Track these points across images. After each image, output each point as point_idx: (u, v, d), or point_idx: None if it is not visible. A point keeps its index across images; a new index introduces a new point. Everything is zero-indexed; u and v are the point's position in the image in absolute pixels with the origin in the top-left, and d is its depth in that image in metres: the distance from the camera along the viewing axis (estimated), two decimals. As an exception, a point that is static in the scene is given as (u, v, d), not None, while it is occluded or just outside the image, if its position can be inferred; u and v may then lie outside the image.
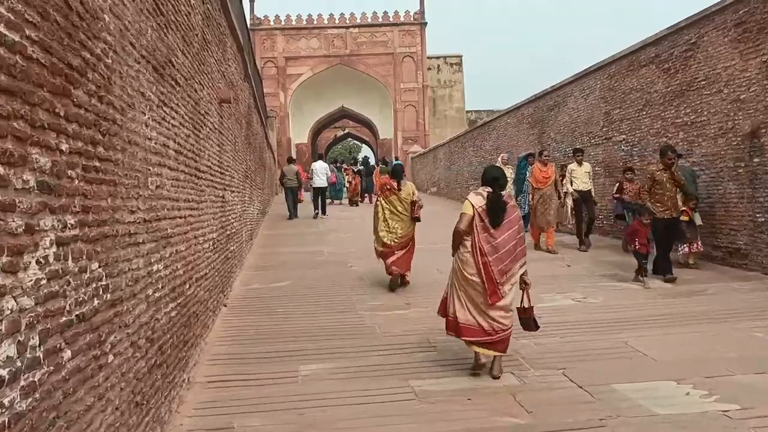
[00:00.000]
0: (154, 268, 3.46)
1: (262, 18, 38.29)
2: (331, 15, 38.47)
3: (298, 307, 6.80)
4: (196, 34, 5.24)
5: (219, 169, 6.63)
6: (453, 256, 4.68)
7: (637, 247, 7.58)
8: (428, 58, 39.00)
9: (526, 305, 4.66)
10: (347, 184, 22.31)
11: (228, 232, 7.35)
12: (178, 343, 4.03)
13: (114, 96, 2.78)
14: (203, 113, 5.53)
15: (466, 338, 4.56)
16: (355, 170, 23.16)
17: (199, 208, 5.09)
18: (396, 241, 7.71)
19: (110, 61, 2.73)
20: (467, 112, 41.36)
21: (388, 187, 7.88)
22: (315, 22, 38.25)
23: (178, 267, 4.15)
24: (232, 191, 8.00)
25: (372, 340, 5.49)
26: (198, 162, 5.13)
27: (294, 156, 31.01)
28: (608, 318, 6.05)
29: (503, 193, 4.60)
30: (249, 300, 7.24)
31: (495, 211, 4.47)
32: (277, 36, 38.29)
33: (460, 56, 42.12)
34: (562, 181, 10.30)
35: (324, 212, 18.16)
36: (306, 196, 20.17)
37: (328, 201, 18.88)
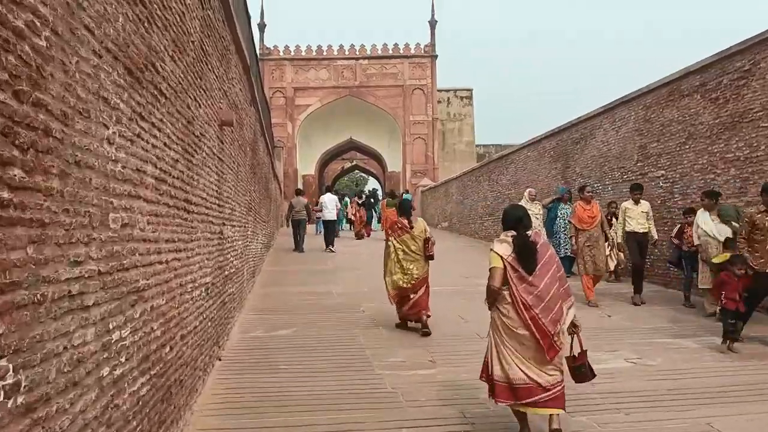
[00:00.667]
0: (114, 336, 2.53)
1: (272, 48, 38.04)
2: (341, 46, 38.17)
3: (304, 363, 5.82)
4: (193, 41, 4.41)
5: (217, 201, 5.74)
6: (490, 310, 4.07)
7: (724, 303, 6.30)
8: (438, 90, 38.56)
9: (577, 351, 4.07)
10: (351, 217, 22.07)
11: (226, 273, 6.43)
12: (150, 427, 3.08)
13: (50, 95, 1.89)
14: (198, 135, 4.67)
15: (524, 401, 3.83)
16: (360, 202, 22.77)
17: (188, 249, 4.18)
18: (412, 282, 7.17)
19: (43, 43, 1.85)
20: (476, 146, 40.80)
21: (400, 225, 7.34)
22: (324, 53, 37.96)
23: (155, 327, 3.22)
24: (233, 226, 7.10)
25: (396, 413, 4.50)
26: (189, 192, 4.24)
27: (300, 187, 30.24)
28: (676, 387, 5.05)
29: (529, 233, 4.03)
30: (248, 352, 6.26)
31: (526, 256, 3.91)
32: (286, 66, 37.98)
33: (470, 90, 41.73)
34: (609, 221, 9.32)
35: (332, 244, 17.37)
36: (310, 229, 19.49)
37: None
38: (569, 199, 10.06)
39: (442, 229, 24.33)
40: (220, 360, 5.83)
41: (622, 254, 9.41)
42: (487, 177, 18.90)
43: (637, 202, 8.87)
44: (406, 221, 7.31)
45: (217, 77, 5.81)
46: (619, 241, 9.16)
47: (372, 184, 61.17)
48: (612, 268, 9.73)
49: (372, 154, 41.87)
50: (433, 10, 38.78)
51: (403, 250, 7.20)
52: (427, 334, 6.89)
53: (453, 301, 9.10)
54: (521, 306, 3.83)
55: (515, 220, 4.06)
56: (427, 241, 7.21)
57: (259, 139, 11.85)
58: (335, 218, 18.14)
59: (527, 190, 11.67)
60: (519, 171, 16.14)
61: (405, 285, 7.13)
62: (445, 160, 39.16)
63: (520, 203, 10.37)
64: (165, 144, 3.51)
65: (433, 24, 38.58)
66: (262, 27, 37.94)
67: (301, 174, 38.09)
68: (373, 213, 23.56)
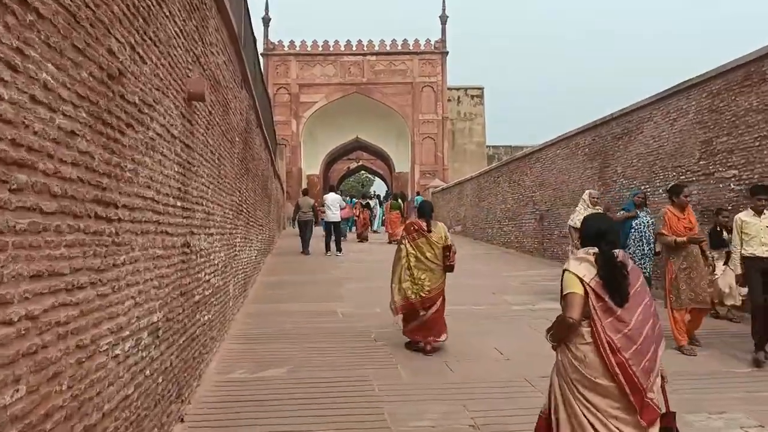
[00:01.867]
0: None
1: (276, 43, 36.54)
2: (348, 42, 36.64)
3: (297, 426, 4.22)
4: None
5: (180, 203, 4.15)
6: (556, 351, 3.19)
7: None
8: (448, 89, 37.01)
9: (664, 409, 3.07)
10: (354, 218, 21.75)
11: (196, 299, 4.84)
12: None
13: None
14: (137, 102, 3.08)
15: None
16: (364, 203, 22.41)
17: (105, 282, 2.59)
18: (422, 296, 6.21)
19: None
20: (486, 147, 39.30)
21: (416, 227, 6.41)
22: (331, 49, 36.48)
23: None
24: (210, 234, 5.50)
25: None
26: (109, 189, 2.64)
27: (306, 187, 28.75)
28: None
29: (617, 252, 3.10)
30: (223, 407, 4.64)
31: (616, 281, 3.01)
32: (291, 62, 36.52)
33: (481, 88, 40.22)
34: (720, 234, 7.63)
35: (339, 249, 15.97)
36: (317, 230, 18.56)
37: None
38: (643, 203, 8.36)
39: (455, 233, 22.67)
40: (182, 421, 4.23)
41: (738, 287, 6.83)
42: (507, 177, 17.26)
43: (759, 212, 6.06)
44: (424, 223, 6.38)
45: (181, 31, 4.22)
46: (734, 268, 6.36)
47: (378, 185, 59.67)
48: (736, 302, 7.33)
49: (379, 153, 40.36)
50: (444, 5, 37.23)
51: (416, 256, 6.28)
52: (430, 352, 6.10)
53: (482, 326, 7.48)
54: (606, 347, 2.92)
55: (597, 233, 3.13)
56: (447, 249, 6.29)
57: (254, 130, 10.25)
58: (338, 219, 16.70)
59: (587, 192, 8.99)
60: (546, 171, 14.50)
61: (414, 297, 6.21)
62: (455, 161, 37.72)
63: (579, 209, 8.60)
64: (34, 99, 1.92)
65: (444, 19, 37.04)
66: (266, 21, 36.56)
67: (306, 174, 36.58)
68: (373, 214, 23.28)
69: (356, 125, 37.19)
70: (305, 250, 16.11)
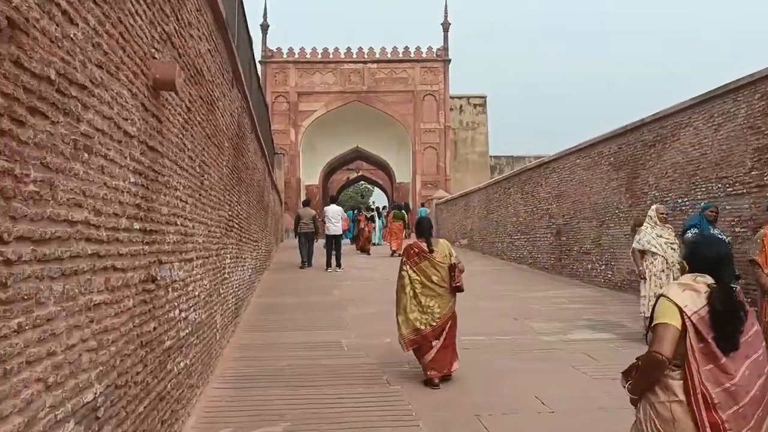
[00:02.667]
0: None
1: (275, 50, 35.67)
2: (349, 49, 35.80)
3: None
4: None
5: (137, 225, 3.08)
6: (636, 405, 2.54)
7: None
8: (450, 97, 36.14)
9: None
10: (356, 231, 21.29)
11: (168, 344, 3.76)
12: None
13: None
14: (58, 80, 2.02)
15: None
16: (368, 216, 21.69)
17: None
18: (433, 324, 5.61)
19: None
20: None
21: (416, 249, 5.81)
22: (331, 56, 35.65)
23: None
24: (187, 261, 4.44)
25: None
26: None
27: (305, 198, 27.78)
28: None
29: (736, 287, 2.53)
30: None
31: (729, 322, 2.39)
32: (289, 69, 35.66)
33: (484, 97, 39.39)
34: None
35: (339, 265, 14.95)
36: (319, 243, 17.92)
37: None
38: (715, 218, 7.29)
39: (461, 246, 21.58)
40: None
41: None
42: (520, 188, 16.22)
43: None
44: (424, 244, 5.79)
45: (150, 6, 3.19)
46: None
47: (378, 195, 58.55)
48: None
49: (379, 163, 39.45)
50: (446, 11, 36.43)
51: (421, 282, 5.68)
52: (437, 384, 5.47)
53: (512, 363, 6.39)
54: (699, 401, 2.35)
55: (717, 260, 2.55)
56: (453, 268, 5.68)
57: (248, 136, 9.20)
58: (340, 232, 15.73)
59: (653, 208, 7.48)
60: (564, 182, 13.46)
61: (424, 328, 5.59)
62: (457, 171, 36.85)
63: (645, 228, 7.32)
64: None
65: (446, 26, 36.22)
66: (265, 28, 35.76)
67: (305, 184, 35.62)
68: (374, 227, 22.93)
69: (356, 134, 36.32)
70: (305, 263, 15.35)
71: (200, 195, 4.94)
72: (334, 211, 15.89)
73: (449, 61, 36.18)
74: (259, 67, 30.74)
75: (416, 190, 35.16)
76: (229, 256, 7.13)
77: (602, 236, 11.66)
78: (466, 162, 38.02)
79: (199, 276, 4.90)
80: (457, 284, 5.69)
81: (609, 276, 11.37)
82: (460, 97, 38.10)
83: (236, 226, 7.84)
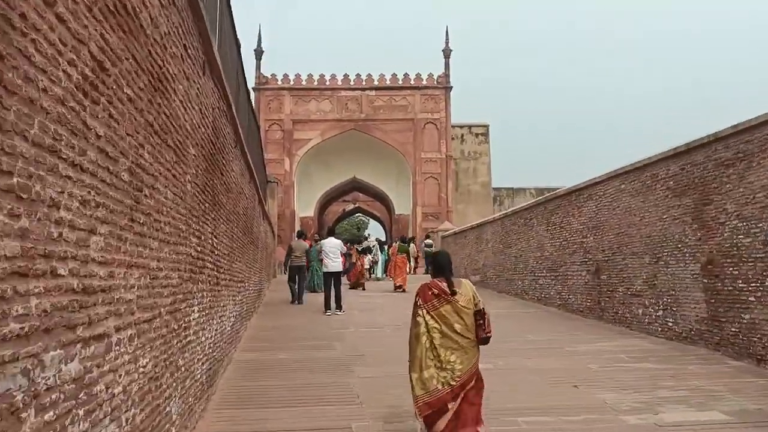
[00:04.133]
0: None
1: (269, 76, 34.13)
2: (346, 75, 34.34)
3: None
4: None
5: None
6: None
7: None
8: (452, 126, 34.61)
9: None
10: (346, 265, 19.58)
11: None
12: None
13: None
14: None
15: None
16: (360, 249, 20.60)
17: None
18: (452, 383, 4.51)
19: None
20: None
21: (436, 291, 4.65)
22: (327, 83, 34.13)
23: None
24: (91, 341, 2.42)
25: None
26: None
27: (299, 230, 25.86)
28: None
29: None
30: None
31: None
32: (284, 96, 34.07)
33: (486, 125, 37.96)
34: None
35: (340, 307, 13.11)
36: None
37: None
38: None
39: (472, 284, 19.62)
40: None
41: None
42: (545, 219, 14.27)
43: None
44: (444, 284, 4.67)
45: None
46: None
47: (373, 227, 56.40)
48: None
49: (378, 195, 37.66)
50: (447, 38, 35.11)
51: (440, 331, 4.63)
52: None
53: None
54: None
55: None
56: (480, 315, 4.63)
57: (230, 149, 7.23)
58: (340, 269, 13.84)
59: None
60: (603, 210, 11.53)
61: (442, 387, 4.54)
62: (459, 203, 35.17)
63: None
64: None
65: (447, 53, 34.86)
66: (259, 54, 34.25)
67: (299, 216, 33.68)
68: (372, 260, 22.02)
69: (353, 164, 34.69)
70: (295, 300, 14.57)
71: (132, 220, 2.95)
72: (332, 244, 13.87)
73: (451, 88, 34.83)
74: (252, 94, 29.11)
75: (417, 222, 33.37)
76: (197, 308, 5.10)
77: (658, 275, 9.68)
78: (468, 193, 36.43)
79: (125, 359, 2.88)
80: (488, 334, 4.66)
81: (669, 324, 9.36)
82: (461, 126, 36.71)
83: (210, 265, 5.83)
